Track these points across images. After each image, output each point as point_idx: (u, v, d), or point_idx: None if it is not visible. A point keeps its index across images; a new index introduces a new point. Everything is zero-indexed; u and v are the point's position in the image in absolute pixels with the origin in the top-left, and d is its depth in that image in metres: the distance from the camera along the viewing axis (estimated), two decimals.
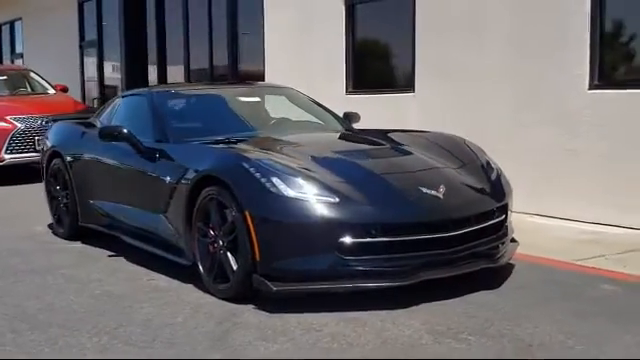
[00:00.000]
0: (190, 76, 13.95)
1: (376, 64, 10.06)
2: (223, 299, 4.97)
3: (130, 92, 7.43)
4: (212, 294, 5.10)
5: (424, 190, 4.91)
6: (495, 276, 5.25)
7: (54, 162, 7.32)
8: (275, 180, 4.75)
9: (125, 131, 6.00)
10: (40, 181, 11.54)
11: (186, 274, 5.52)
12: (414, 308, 4.67)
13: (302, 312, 4.65)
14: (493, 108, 8.15)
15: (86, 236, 7.08)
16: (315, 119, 6.81)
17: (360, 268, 4.65)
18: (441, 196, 4.90)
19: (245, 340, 4.24)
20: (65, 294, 5.33)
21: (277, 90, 7.34)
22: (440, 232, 4.79)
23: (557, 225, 7.17)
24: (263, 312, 4.71)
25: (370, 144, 5.89)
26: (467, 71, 8.40)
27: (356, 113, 7.17)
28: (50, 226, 7.85)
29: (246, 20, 12.32)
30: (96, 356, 4.06)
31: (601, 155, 7.20)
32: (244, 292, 4.87)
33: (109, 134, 6.08)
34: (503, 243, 5.24)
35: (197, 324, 4.55)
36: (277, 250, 4.69)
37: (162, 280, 5.60)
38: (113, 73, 16.31)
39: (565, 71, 7.46)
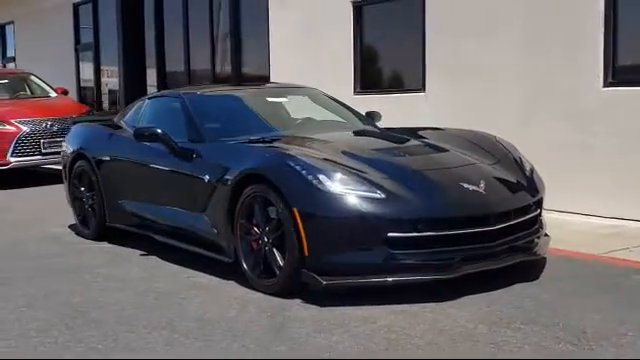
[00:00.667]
0: (191, 79, 13.99)
1: (385, 64, 10.17)
2: (269, 294, 5.07)
3: (156, 94, 7.53)
4: (256, 290, 5.20)
5: (465, 185, 5.05)
6: (531, 268, 5.38)
7: (78, 164, 7.37)
8: (322, 177, 4.86)
9: (160, 132, 6.08)
10: (46, 184, 11.74)
11: (223, 271, 5.64)
12: (460, 300, 4.80)
13: (351, 305, 4.76)
14: (506, 107, 8.30)
15: (112, 237, 7.16)
16: (341, 118, 6.92)
17: (407, 262, 4.77)
18: (482, 191, 5.05)
19: (303, 332, 4.35)
20: (109, 292, 5.41)
21: (300, 90, 7.44)
22: (482, 226, 4.93)
23: (575, 220, 7.33)
24: (312, 306, 4.81)
25: (404, 141, 5.99)
26: (479, 70, 8.55)
27: (378, 112, 7.30)
28: (71, 227, 7.91)
29: (250, 22, 12.39)
30: (164, 349, 4.16)
31: (615, 151, 7.37)
32: (291, 287, 4.98)
33: (143, 134, 6.16)
34: (539, 237, 5.39)
35: (250, 318, 4.65)
36: (326, 245, 4.80)
37: (201, 277, 5.69)
38: (110, 77, 16.32)
39: (580, 70, 7.63)
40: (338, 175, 4.89)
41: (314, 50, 10.67)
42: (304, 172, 4.91)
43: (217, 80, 13.06)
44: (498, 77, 8.38)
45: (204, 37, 13.43)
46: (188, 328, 4.50)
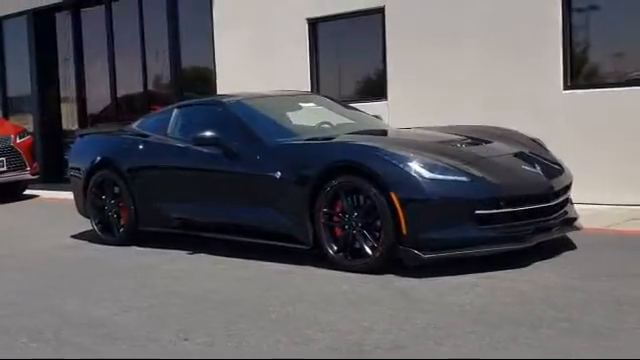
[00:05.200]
0: (118, 103, 14.11)
1: (345, 76, 10.88)
2: (358, 272, 5.64)
3: (187, 102, 7.95)
4: (341, 270, 5.75)
5: (527, 168, 5.90)
6: (561, 240, 6.20)
7: (99, 173, 7.65)
8: (411, 165, 5.54)
9: (220, 137, 6.58)
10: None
11: (286, 259, 6.19)
12: (532, 266, 5.57)
13: (440, 276, 5.41)
14: (469, 112, 9.17)
15: (138, 240, 7.50)
16: (367, 120, 7.57)
17: (492, 235, 5.54)
18: (540, 172, 5.90)
19: (433, 294, 4.97)
20: (212, 281, 5.84)
21: (310, 97, 8.02)
22: (544, 202, 5.78)
23: None
24: (412, 278, 5.43)
25: (451, 135, 6.68)
26: (442, 79, 9.44)
27: (379, 115, 8.05)
28: (75, 237, 8.16)
29: (191, 40, 12.68)
30: (329, 317, 4.67)
31: (576, 143, 8.42)
32: (385, 264, 5.59)
33: (203, 140, 6.64)
34: (576, 213, 6.30)
35: (369, 289, 5.23)
36: (422, 224, 5.46)
37: (274, 266, 6.14)
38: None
39: (542, 75, 8.72)
40: (426, 163, 5.58)
41: (268, 65, 11.11)
42: (394, 162, 5.58)
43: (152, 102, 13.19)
44: (461, 84, 9.29)
45: (134, 58, 13.55)
46: (333, 299, 5.01)
